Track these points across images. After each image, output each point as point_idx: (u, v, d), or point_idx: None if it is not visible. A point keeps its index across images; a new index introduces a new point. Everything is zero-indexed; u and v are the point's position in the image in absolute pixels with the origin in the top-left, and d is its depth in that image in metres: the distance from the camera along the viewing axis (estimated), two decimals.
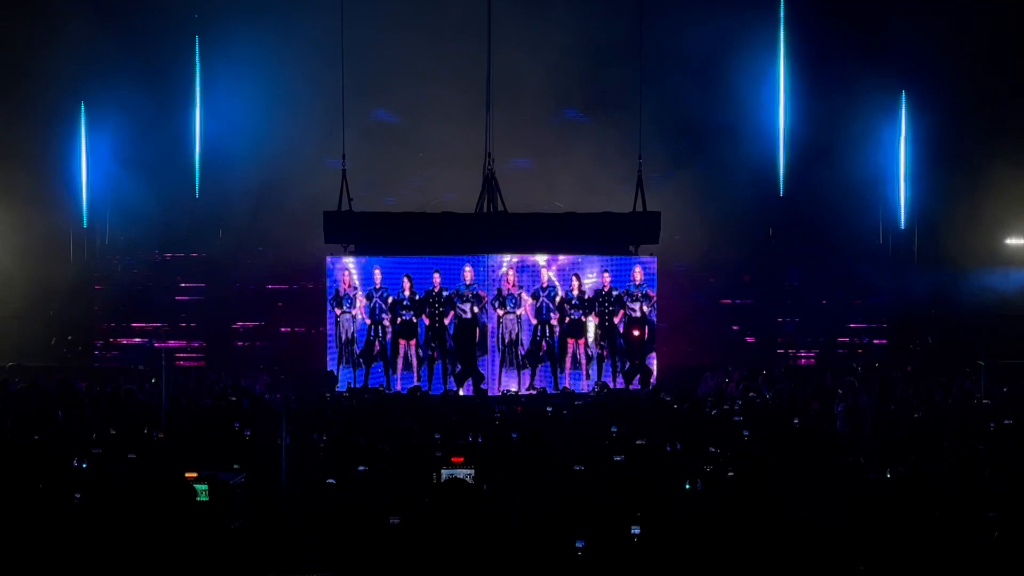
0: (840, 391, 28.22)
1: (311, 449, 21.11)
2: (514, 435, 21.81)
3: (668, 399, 27.90)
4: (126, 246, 40.87)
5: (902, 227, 40.71)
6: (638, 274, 33.73)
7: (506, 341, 33.01)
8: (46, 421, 24.20)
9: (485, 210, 33.59)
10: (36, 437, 21.81)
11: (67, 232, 40.47)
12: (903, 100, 40.17)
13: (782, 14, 40.28)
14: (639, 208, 33.83)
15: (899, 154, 40.36)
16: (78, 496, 15.80)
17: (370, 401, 28.42)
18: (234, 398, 27.96)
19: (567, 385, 32.83)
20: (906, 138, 40.22)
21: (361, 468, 18.22)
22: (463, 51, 36.20)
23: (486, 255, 32.94)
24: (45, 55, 38.62)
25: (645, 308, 33.67)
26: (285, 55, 38.03)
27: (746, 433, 22.38)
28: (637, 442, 20.87)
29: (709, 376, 33.18)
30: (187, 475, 15.18)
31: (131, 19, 38.91)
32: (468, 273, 32.94)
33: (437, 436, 21.64)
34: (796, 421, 24.02)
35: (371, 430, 22.45)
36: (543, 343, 33.18)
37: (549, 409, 25.96)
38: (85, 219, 40.40)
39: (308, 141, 38.20)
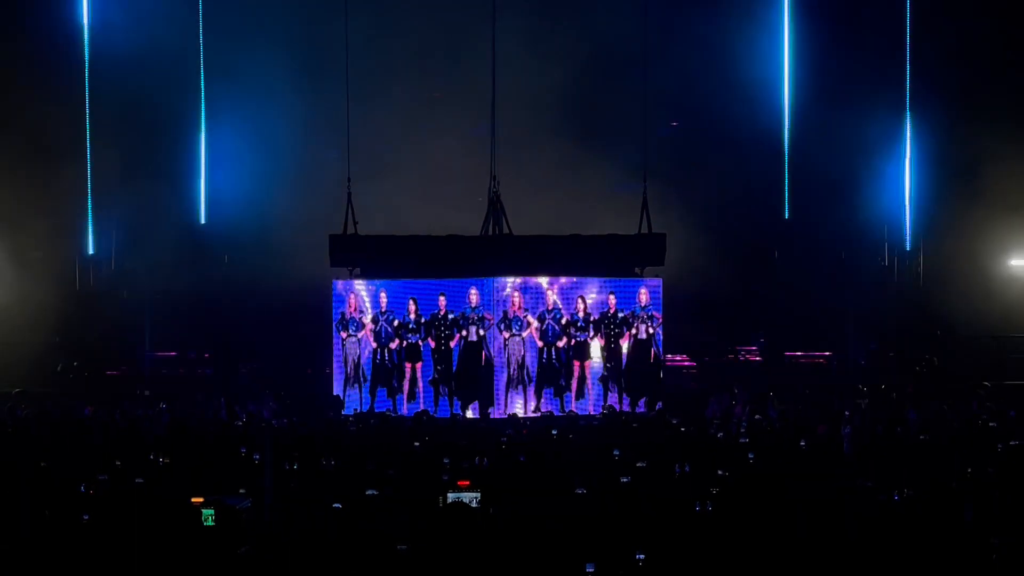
0: (847, 413, 28.21)
1: (318, 474, 21.10)
2: (521, 458, 21.81)
3: (675, 422, 27.88)
4: (132, 272, 40.81)
5: (907, 248, 40.67)
6: (643, 296, 33.75)
7: (512, 364, 33.01)
8: (53, 447, 24.20)
9: (490, 232, 33.62)
10: (43, 464, 21.79)
11: (73, 258, 40.47)
12: (908, 118, 40.17)
13: (786, 36, 40.36)
14: (644, 230, 33.85)
15: (904, 174, 40.32)
16: (86, 517, 15.81)
17: (376, 426, 28.41)
18: (240, 423, 27.98)
19: (573, 408, 32.82)
20: (911, 158, 40.19)
21: (370, 492, 18.22)
22: (467, 74, 36.32)
23: (491, 278, 32.97)
24: (49, 81, 38.79)
25: (651, 330, 33.67)
26: (290, 80, 38.15)
27: (751, 456, 22.35)
28: (637, 464, 20.88)
29: (715, 400, 33.13)
30: (193, 500, 15.18)
31: (136, 48, 39.01)
32: (474, 296, 32.97)
33: (446, 460, 21.64)
34: (803, 443, 24.00)
35: (378, 455, 22.46)
36: (557, 364, 33.25)
37: (554, 432, 25.94)
38: (91, 245, 40.40)
39: (313, 164, 38.26)
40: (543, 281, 33.29)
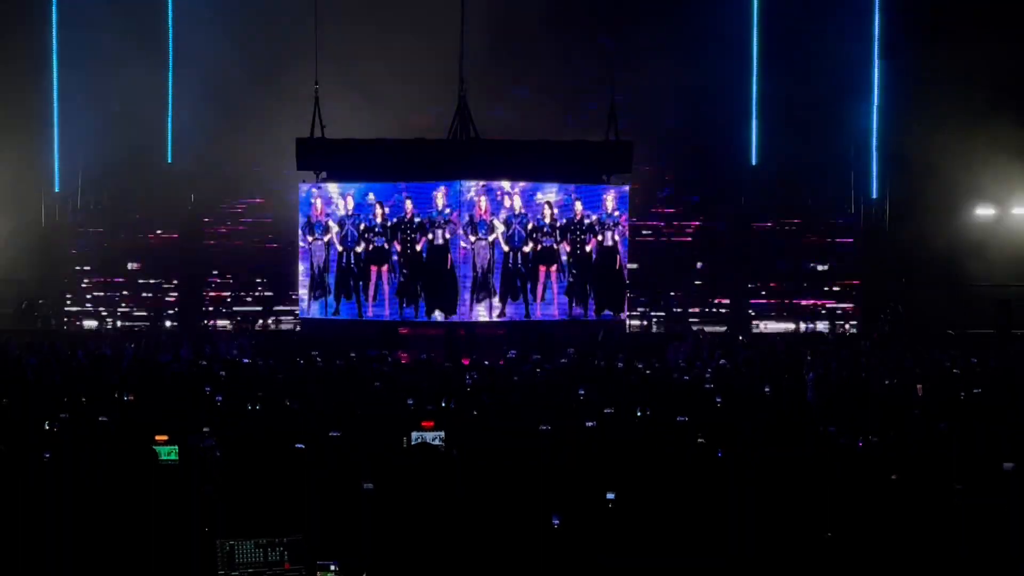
0: (810, 358, 28.31)
1: (283, 413, 21.09)
2: (484, 398, 21.85)
3: (640, 366, 27.94)
4: (98, 210, 40.68)
5: (874, 196, 40.79)
6: (610, 202, 34.02)
7: (478, 268, 33.17)
8: (14, 384, 24.09)
9: (458, 136, 33.70)
10: (4, 400, 21.72)
11: (39, 196, 40.24)
12: (876, 64, 40.18)
13: None
14: (612, 137, 34.00)
15: (872, 122, 40.38)
16: (47, 456, 15.76)
17: (343, 367, 28.40)
18: (204, 362, 27.93)
19: (539, 315, 33.28)
20: (879, 106, 40.24)
21: (334, 433, 18.20)
22: None
23: (458, 180, 33.05)
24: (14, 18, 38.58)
25: (616, 237, 34.00)
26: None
27: (719, 400, 22.42)
28: (605, 411, 20.91)
29: (675, 345, 33.26)
30: (157, 438, 15.14)
31: None
32: (440, 198, 33.04)
33: (410, 401, 21.64)
34: (767, 389, 24.07)
35: (344, 395, 22.47)
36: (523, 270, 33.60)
37: (516, 379, 25.95)
38: (57, 183, 40.19)
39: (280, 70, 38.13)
40: (506, 184, 33.36)
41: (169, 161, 40.15)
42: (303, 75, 34.60)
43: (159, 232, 40.75)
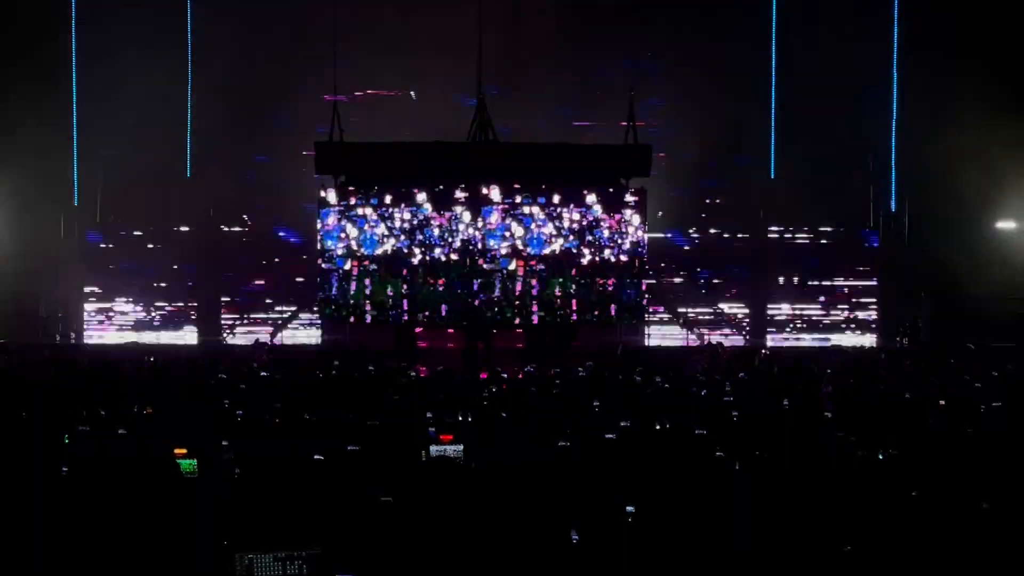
0: (828, 371, 28.27)
1: (302, 426, 21.10)
2: (503, 414, 21.83)
3: (658, 380, 27.92)
4: (117, 225, 40.79)
5: (893, 209, 40.71)
6: (628, 206, 34.25)
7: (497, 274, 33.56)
8: (32, 397, 24.12)
9: (477, 139, 33.70)
10: (23, 414, 21.75)
11: (58, 211, 40.34)
12: (895, 78, 40.12)
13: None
14: (630, 140, 33.94)
15: (892, 136, 40.32)
16: (65, 470, 15.78)
17: (362, 378, 28.44)
18: (223, 375, 27.96)
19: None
20: (898, 120, 40.17)
21: (352, 448, 18.21)
22: None
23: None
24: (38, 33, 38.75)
25: (635, 240, 34.15)
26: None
27: (735, 414, 22.37)
28: (622, 423, 20.89)
29: (696, 357, 33.21)
30: (176, 450, 15.15)
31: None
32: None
33: (428, 415, 21.64)
34: (785, 402, 24.03)
35: (361, 407, 22.48)
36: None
37: (533, 389, 25.94)
38: (76, 198, 40.31)
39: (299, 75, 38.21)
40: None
41: (188, 176, 40.22)
42: (322, 81, 34.65)
43: (178, 245, 40.75)
